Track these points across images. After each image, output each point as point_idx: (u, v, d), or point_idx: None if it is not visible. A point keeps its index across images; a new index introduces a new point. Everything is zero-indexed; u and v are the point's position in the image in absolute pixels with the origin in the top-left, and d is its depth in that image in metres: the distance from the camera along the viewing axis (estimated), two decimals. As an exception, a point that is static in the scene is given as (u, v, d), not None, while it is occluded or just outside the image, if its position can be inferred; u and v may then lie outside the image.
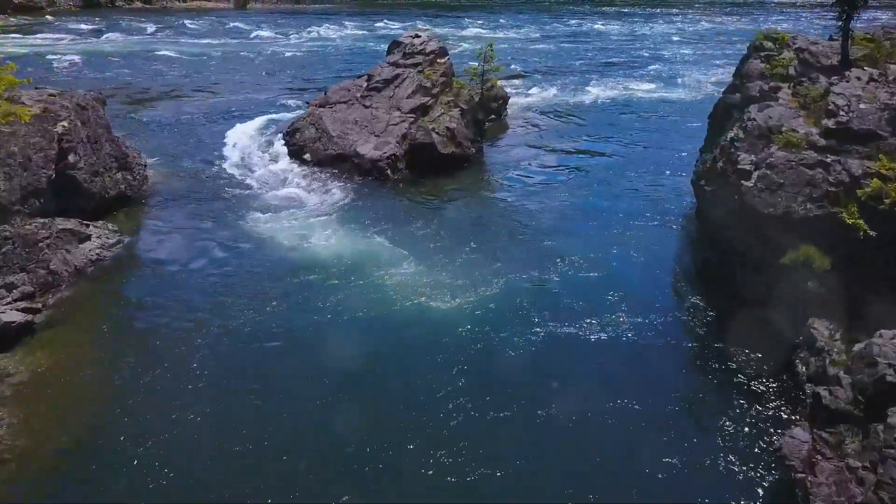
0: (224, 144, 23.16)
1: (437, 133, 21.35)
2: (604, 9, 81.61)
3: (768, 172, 11.75)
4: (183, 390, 10.86)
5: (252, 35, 52.27)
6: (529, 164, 22.64)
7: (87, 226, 14.50)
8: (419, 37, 25.46)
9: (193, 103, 29.18)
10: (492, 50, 22.98)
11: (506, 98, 28.60)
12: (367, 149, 20.79)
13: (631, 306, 13.43)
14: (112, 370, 11.30)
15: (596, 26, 62.47)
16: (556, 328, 12.69)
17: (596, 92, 33.40)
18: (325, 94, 24.36)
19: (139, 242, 15.53)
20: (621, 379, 11.62)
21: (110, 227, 15.33)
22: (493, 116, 26.86)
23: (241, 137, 23.89)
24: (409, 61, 24.02)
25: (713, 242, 14.26)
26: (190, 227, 16.49)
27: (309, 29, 54.81)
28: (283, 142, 22.65)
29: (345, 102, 22.93)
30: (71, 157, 14.96)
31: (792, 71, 17.35)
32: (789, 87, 16.65)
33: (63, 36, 49.07)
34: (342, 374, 11.52)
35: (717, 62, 41.93)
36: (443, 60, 24.63)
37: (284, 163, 21.48)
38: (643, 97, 32.66)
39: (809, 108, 14.34)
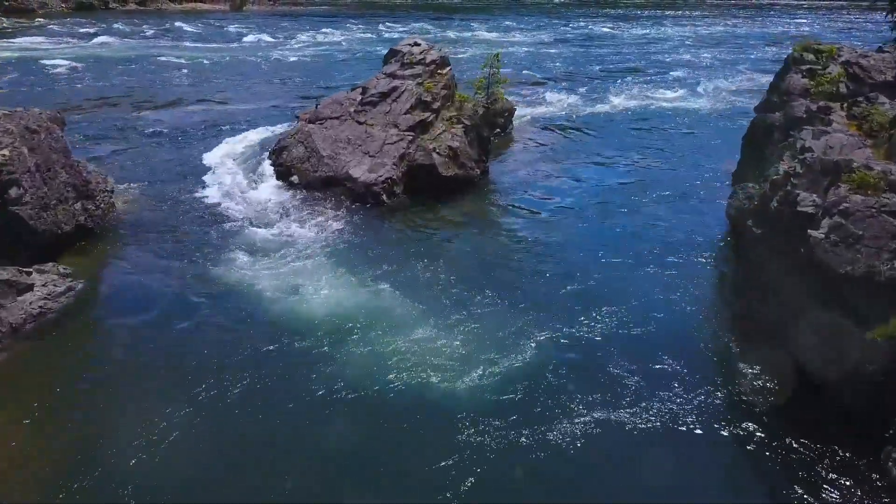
0: (206, 165, 20.96)
1: (438, 153, 19.19)
2: (612, 11, 79.46)
3: (842, 221, 9.56)
4: (136, 489, 8.64)
5: (248, 39, 50.08)
6: (540, 187, 20.43)
7: (30, 273, 12.31)
8: (419, 45, 23.29)
9: (179, 115, 27.03)
10: (498, 60, 20.82)
11: (512, 110, 26.47)
12: (361, 171, 18.62)
13: (689, 376, 11.03)
14: (43, 462, 9.13)
15: (605, 29, 60.38)
16: (604, 415, 10.03)
17: (610, 101, 31.29)
18: (317, 107, 22.21)
19: (93, 289, 13.27)
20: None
21: (60, 271, 13.14)
22: (498, 131, 24.74)
23: (225, 156, 21.72)
24: (407, 72, 21.85)
25: (763, 292, 12.08)
26: (156, 270, 14.24)
27: (307, 33, 52.74)
28: (269, 161, 20.53)
29: (337, 118, 20.75)
30: (13, 191, 12.79)
31: (843, 88, 15.20)
32: (842, 108, 14.48)
33: (53, 39, 46.92)
34: (325, 482, 9.22)
35: (737, 67, 39.82)
36: (444, 71, 22.45)
37: (270, 186, 19.29)
38: (661, 107, 30.51)
39: (877, 137, 12.20)
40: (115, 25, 56.31)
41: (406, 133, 19.77)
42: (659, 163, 22.85)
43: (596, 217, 18.19)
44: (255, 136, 23.71)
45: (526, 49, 46.24)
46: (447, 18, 68.59)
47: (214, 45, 45.12)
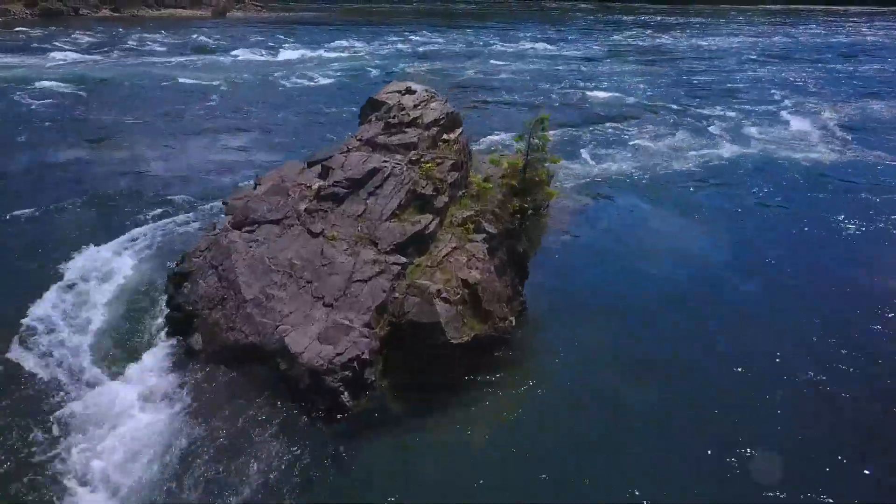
0: (67, 289, 12.77)
1: (444, 299, 10.93)
2: (644, 17, 70.88)
3: None
4: None
5: (228, 55, 41.81)
6: (622, 342, 11.93)
7: None
8: (412, 92, 15.02)
9: (89, 174, 18.95)
10: (543, 127, 12.57)
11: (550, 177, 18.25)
12: (306, 340, 10.32)
13: None
14: None
15: (644, 43, 51.66)
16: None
17: (687, 149, 22.76)
18: (256, 186, 14.11)
19: None
20: None
21: None
22: (530, 211, 16.51)
23: (108, 268, 13.53)
24: (395, 139, 13.60)
25: None
26: None
27: (293, 47, 44.39)
28: (165, 295, 12.33)
29: (277, 221, 12.48)
30: None
31: None
32: None
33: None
34: None
35: (832, 90, 31.49)
36: (453, 135, 14.23)
37: (155, 353, 11.05)
38: (765, 157, 22.06)
39: None
40: (79, 37, 47.91)
41: (390, 257, 11.46)
42: (790, 274, 14.47)
43: (731, 425, 9.85)
44: (173, 225, 15.52)
45: (550, 66, 37.95)
46: (453, 28, 60.33)
47: (187, 62, 36.96)
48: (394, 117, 14.18)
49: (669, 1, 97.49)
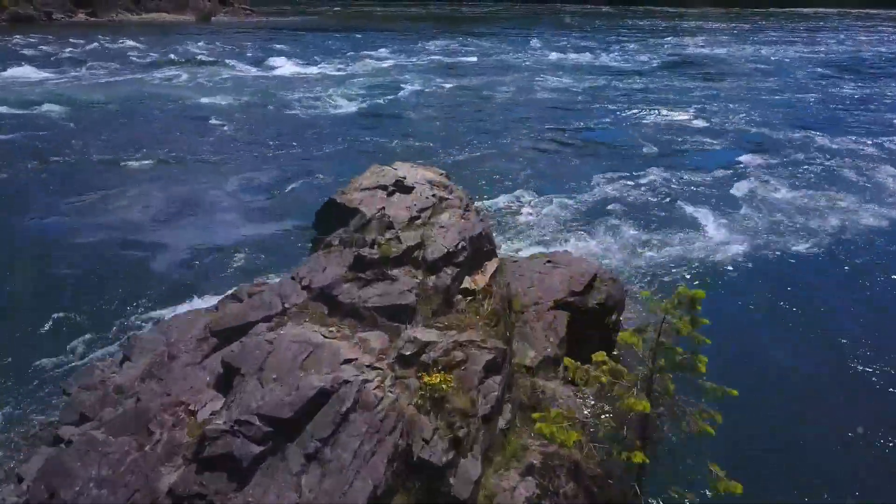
0: None
1: None
2: (675, 23, 63.84)
3: None
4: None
5: (219, 69, 34.67)
6: None
7: None
8: (406, 189, 8.32)
9: (64, 251, 12.47)
10: (694, 304, 5.92)
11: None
12: None
13: None
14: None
15: (691, 51, 44.13)
16: None
17: (822, 210, 15.65)
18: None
19: None
20: None
21: None
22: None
23: None
24: (371, 294, 6.94)
25: None
26: None
27: (289, 58, 37.48)
28: None
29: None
30: None
31: None
32: None
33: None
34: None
35: None
36: (483, 279, 7.55)
37: None
38: None
39: None
40: (50, 47, 41.09)
41: None
42: None
43: None
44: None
45: (594, 81, 30.93)
46: (468, 35, 53.49)
47: (171, 77, 30.28)
48: (373, 244, 7.49)
49: (692, 4, 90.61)
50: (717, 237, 13.72)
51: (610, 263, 12.20)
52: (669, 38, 51.34)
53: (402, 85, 28.73)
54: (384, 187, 8.50)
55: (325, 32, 55.03)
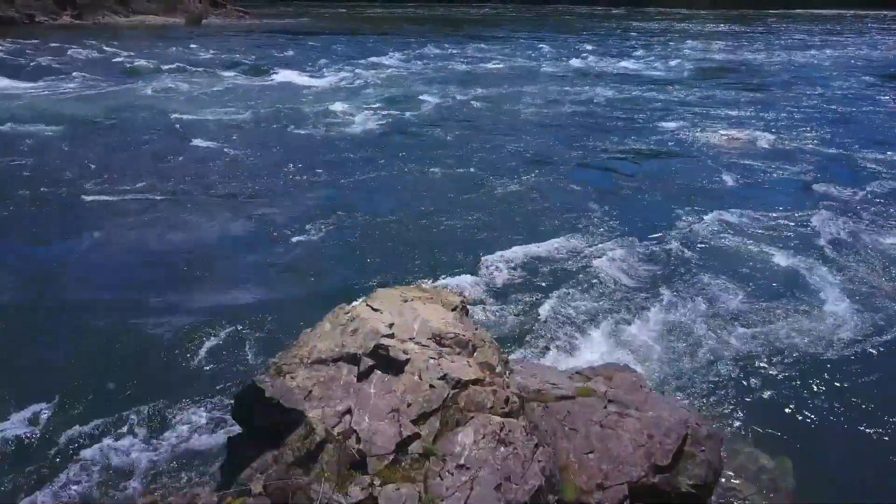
0: None
1: None
2: (688, 25, 59.84)
3: None
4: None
5: (216, 78, 30.57)
6: None
7: None
8: (385, 364, 4.74)
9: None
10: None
11: None
12: None
13: None
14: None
15: (719, 56, 39.99)
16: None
17: None
18: None
19: None
20: None
21: None
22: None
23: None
24: None
25: None
26: None
27: (290, 65, 33.33)
28: None
29: None
30: None
31: None
32: None
33: None
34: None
35: None
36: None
37: None
38: None
39: None
40: (31, 53, 37.13)
41: None
42: None
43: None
44: None
45: (624, 92, 26.97)
46: (472, 38, 49.72)
47: (168, 89, 25.94)
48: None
49: (698, 5, 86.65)
50: (827, 315, 9.81)
51: (668, 374, 8.41)
52: (691, 42, 47.48)
53: (418, 97, 25.07)
54: (353, 359, 4.71)
55: (326, 36, 51.33)
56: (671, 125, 21.44)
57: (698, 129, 20.77)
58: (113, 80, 28.68)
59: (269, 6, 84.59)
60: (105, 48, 40.21)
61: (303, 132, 19.89)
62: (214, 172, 15.74)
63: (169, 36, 51.63)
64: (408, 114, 22.49)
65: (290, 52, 40.27)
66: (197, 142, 18.71)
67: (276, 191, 14.57)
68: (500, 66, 35.48)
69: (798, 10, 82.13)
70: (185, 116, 21.92)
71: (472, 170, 16.03)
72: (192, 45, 43.04)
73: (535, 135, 19.94)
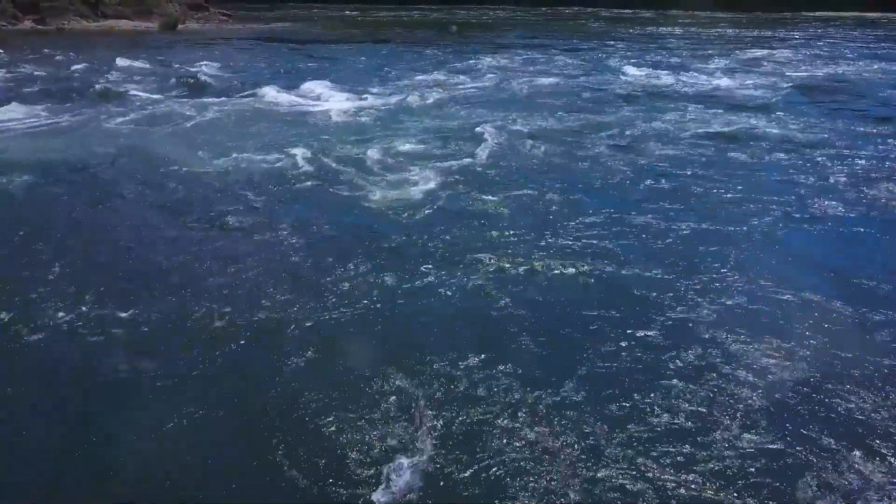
0: None
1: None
2: (726, 29, 53.89)
3: None
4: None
5: (200, 105, 22.83)
6: None
7: None
8: None
9: None
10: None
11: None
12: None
13: None
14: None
15: (811, 70, 33.21)
16: None
17: None
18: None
19: None
20: None
21: None
22: None
23: None
24: None
25: None
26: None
27: (279, 79, 25.99)
28: None
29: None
30: None
31: None
32: None
33: None
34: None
35: None
36: None
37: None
38: None
39: None
40: None
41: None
42: None
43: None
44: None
45: (693, 131, 20.76)
46: (480, 48, 43.48)
47: (143, 120, 18.74)
48: None
49: (708, 7, 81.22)
50: None
51: None
52: (753, 52, 41.39)
53: (472, 131, 18.72)
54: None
55: (326, 45, 44.76)
56: (801, 179, 15.23)
57: (844, 184, 14.66)
58: (74, 108, 22.03)
59: (265, 8, 78.10)
60: (67, 61, 33.41)
61: (327, 200, 13.46)
62: (211, 292, 9.35)
63: (141, 45, 44.95)
64: (467, 160, 16.17)
65: (287, 64, 33.80)
66: (181, 195, 12.39)
67: (297, 319, 8.33)
68: (550, 80, 29.20)
69: (841, 13, 76.84)
70: (165, 159, 15.56)
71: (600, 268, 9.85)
72: (165, 58, 36.42)
73: (645, 194, 13.82)
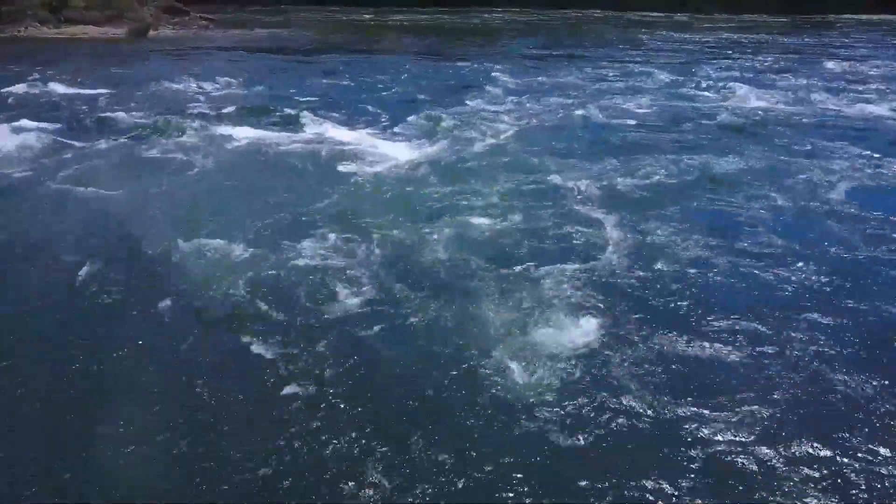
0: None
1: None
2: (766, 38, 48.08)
3: None
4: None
5: (157, 130, 17.44)
6: None
7: None
8: None
9: None
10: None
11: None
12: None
13: None
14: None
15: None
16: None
17: None
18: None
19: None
20: None
21: None
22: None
23: None
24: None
25: None
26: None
27: (276, 108, 19.44)
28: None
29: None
30: None
31: None
32: None
33: None
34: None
35: None
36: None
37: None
38: None
39: None
40: None
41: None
42: None
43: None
44: None
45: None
46: (496, 59, 37.37)
47: (113, 174, 12.57)
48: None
49: (741, 10, 76.11)
50: None
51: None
52: (856, 64, 35.57)
53: (549, 184, 12.85)
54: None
55: (328, 55, 38.48)
56: None
57: None
58: (13, 158, 15.42)
59: (256, 11, 71.88)
60: (21, 85, 26.45)
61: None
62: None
63: (106, 56, 38.33)
64: (604, 272, 10.07)
65: (271, 86, 27.47)
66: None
67: None
68: (623, 102, 23.11)
69: (877, 16, 71.79)
70: (133, 227, 9.51)
71: None
72: (139, 79, 29.97)
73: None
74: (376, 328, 8.25)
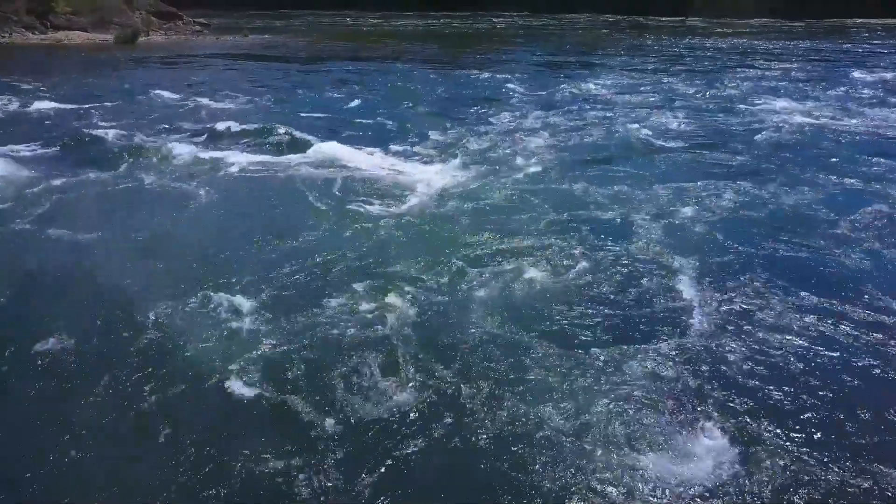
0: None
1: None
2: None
3: None
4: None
5: (183, 195, 13.16)
6: None
7: None
8: None
9: None
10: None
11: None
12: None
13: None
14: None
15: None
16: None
17: None
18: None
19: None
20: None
21: None
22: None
23: None
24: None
25: None
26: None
27: (285, 129, 16.87)
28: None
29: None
30: None
31: None
32: None
33: None
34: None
35: None
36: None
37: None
38: None
39: None
40: None
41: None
42: None
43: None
44: None
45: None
46: (514, 68, 35.51)
47: (100, 223, 10.59)
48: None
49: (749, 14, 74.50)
50: None
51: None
52: (866, 76, 33.73)
53: (628, 236, 10.91)
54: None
55: (328, 62, 36.51)
56: None
57: None
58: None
59: (255, 15, 70.01)
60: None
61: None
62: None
63: (91, 68, 36.37)
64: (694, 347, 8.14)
65: (286, 99, 25.41)
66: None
67: None
68: (660, 117, 21.23)
69: (885, 20, 70.36)
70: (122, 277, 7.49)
71: None
72: (118, 84, 27.97)
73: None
74: (415, 431, 6.21)
